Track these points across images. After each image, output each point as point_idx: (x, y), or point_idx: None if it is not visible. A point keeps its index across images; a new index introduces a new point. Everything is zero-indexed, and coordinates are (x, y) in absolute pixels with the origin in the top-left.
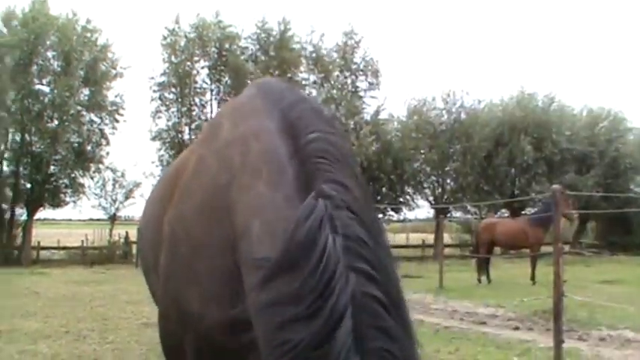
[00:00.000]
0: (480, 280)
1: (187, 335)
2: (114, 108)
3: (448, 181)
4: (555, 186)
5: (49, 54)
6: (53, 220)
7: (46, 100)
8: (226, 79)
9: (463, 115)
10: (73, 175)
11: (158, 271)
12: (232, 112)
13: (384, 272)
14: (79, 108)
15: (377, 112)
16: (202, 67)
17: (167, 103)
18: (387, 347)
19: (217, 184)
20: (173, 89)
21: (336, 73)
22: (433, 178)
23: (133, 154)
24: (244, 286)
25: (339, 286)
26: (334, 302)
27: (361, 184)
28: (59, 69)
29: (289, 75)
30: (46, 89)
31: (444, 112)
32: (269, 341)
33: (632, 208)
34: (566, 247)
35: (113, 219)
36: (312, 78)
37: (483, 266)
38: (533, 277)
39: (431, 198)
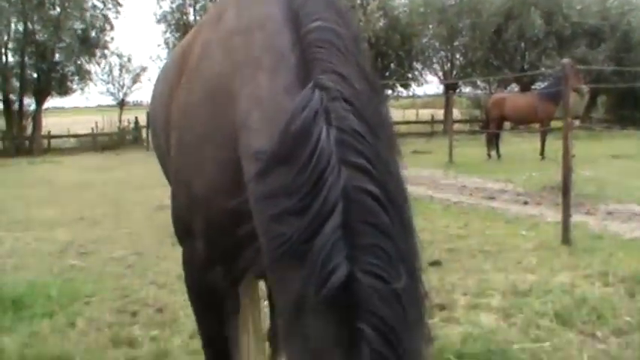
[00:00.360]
0: (489, 156)
1: (195, 218)
2: None
3: (457, 56)
4: (565, 60)
5: None
6: (62, 108)
7: None
8: None
9: None
10: (78, 62)
11: (170, 155)
12: None
13: (382, 166)
14: None
15: None
16: None
17: None
18: (379, 243)
19: (222, 74)
20: None
21: None
22: (442, 53)
23: (138, 38)
24: (244, 177)
25: (330, 181)
26: (324, 197)
27: (367, 76)
28: None
29: None
30: None
31: None
32: (265, 232)
33: None
34: (577, 122)
35: (122, 104)
36: None
37: (493, 141)
38: (542, 152)
39: (440, 73)
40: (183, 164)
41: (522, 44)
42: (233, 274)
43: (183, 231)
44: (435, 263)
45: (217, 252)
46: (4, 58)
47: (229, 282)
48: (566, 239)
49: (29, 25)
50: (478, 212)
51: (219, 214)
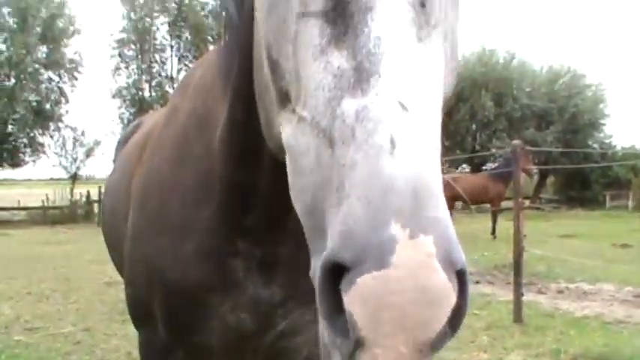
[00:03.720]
0: None
1: (156, 298)
2: (72, 65)
3: None
4: (515, 141)
5: (5, 10)
6: (13, 180)
7: (3, 58)
8: (186, 35)
9: None
10: (32, 135)
11: (125, 238)
12: (203, 60)
13: None
14: (37, 66)
15: None
16: (162, 24)
17: (127, 60)
18: None
19: (188, 130)
20: (133, 46)
21: None
22: None
23: (92, 113)
24: None
25: None
26: None
27: None
28: (15, 26)
29: None
30: (2, 47)
31: None
32: None
33: (590, 164)
34: (527, 202)
35: (74, 178)
36: None
37: None
38: (493, 232)
39: None
40: (145, 231)
41: (473, 125)
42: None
43: (142, 315)
44: None
45: (179, 333)
46: None
47: None
48: (518, 318)
49: None
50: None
51: (185, 291)
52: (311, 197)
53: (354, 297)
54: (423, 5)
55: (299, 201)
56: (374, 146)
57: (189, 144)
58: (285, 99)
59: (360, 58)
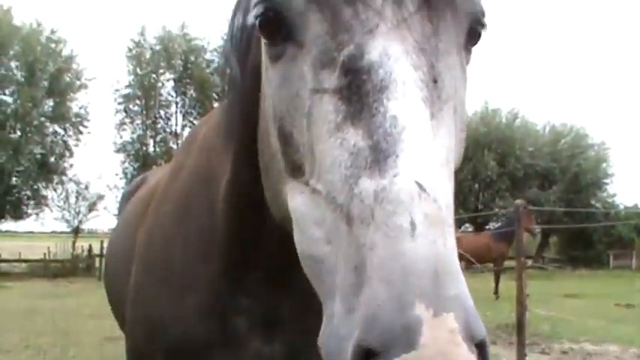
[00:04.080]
0: None
1: (158, 353)
2: (78, 120)
3: None
4: (518, 201)
5: (13, 64)
6: (15, 232)
7: (9, 110)
8: (191, 91)
9: None
10: (35, 187)
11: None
12: (207, 118)
13: None
14: (43, 119)
15: None
16: (168, 80)
17: (132, 115)
18: None
19: (192, 187)
20: (138, 101)
21: None
22: None
23: (96, 166)
24: None
25: None
26: None
27: None
28: (23, 79)
29: None
30: (9, 100)
31: None
32: None
33: (593, 223)
34: (529, 262)
35: (76, 232)
36: None
37: None
38: (496, 291)
39: None
40: (148, 284)
41: (476, 185)
42: None
43: None
44: None
45: None
46: None
47: None
48: None
49: None
50: None
51: (187, 347)
52: (324, 265)
53: None
54: (435, 81)
55: (309, 266)
56: (394, 229)
57: (193, 200)
58: (297, 171)
59: (377, 138)
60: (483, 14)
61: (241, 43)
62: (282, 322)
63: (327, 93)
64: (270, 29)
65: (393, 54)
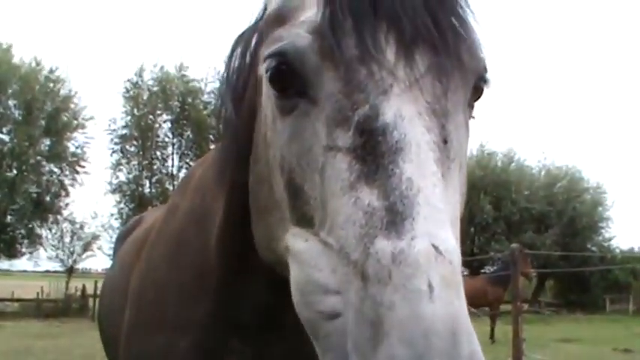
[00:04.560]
0: None
1: None
2: (74, 159)
3: None
4: (514, 245)
5: (10, 102)
6: (8, 271)
7: (5, 148)
8: (188, 133)
9: None
10: (30, 226)
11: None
12: (204, 159)
13: None
14: (39, 158)
15: None
16: (165, 121)
17: (128, 155)
18: None
19: (186, 228)
20: (134, 142)
21: None
22: None
23: (92, 206)
24: None
25: None
26: None
27: None
28: (20, 118)
29: None
30: (6, 138)
31: None
32: None
33: (590, 267)
34: (526, 306)
35: (70, 271)
36: None
37: None
38: (492, 336)
39: None
40: (140, 327)
41: (472, 228)
42: None
43: None
44: None
45: None
46: None
47: None
48: None
49: None
50: None
51: None
52: (329, 312)
53: None
54: (445, 142)
55: (310, 310)
56: (413, 291)
57: (187, 241)
58: (306, 221)
59: (393, 200)
60: (486, 70)
61: (237, 84)
62: (276, 359)
63: (341, 152)
64: (282, 83)
65: (407, 115)
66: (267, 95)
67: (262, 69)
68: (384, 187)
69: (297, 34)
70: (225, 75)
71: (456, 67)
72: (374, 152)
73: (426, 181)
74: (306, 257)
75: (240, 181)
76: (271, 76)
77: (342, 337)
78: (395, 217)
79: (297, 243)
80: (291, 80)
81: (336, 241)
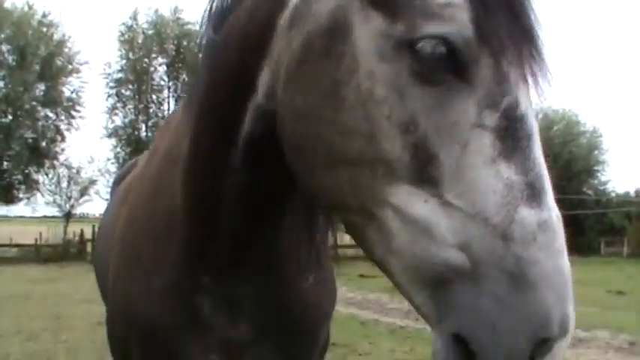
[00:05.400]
0: None
1: (132, 337)
2: (70, 104)
3: None
4: None
5: (4, 48)
6: (6, 217)
7: (0, 94)
8: (184, 76)
9: None
10: (27, 172)
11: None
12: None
13: None
14: (34, 103)
15: None
16: (160, 64)
17: (124, 99)
18: None
19: (163, 167)
20: (130, 86)
21: None
22: None
23: (88, 151)
24: None
25: None
26: None
27: None
28: (14, 63)
29: None
30: (0, 84)
31: None
32: None
33: (585, 210)
34: None
35: (68, 216)
36: None
37: None
38: None
39: None
40: (124, 269)
41: None
42: None
43: (121, 356)
44: None
45: None
46: None
47: None
48: None
49: None
50: (423, 337)
51: (156, 330)
52: (452, 267)
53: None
54: None
55: (415, 272)
56: (556, 250)
57: (162, 180)
58: (428, 183)
59: (531, 177)
60: None
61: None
62: (246, 304)
63: (487, 130)
64: (437, 63)
65: (529, 109)
66: (391, 58)
67: (420, 47)
68: (522, 166)
69: (462, 22)
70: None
71: (542, 73)
72: (513, 135)
73: (543, 161)
74: (427, 215)
75: (214, 111)
76: (429, 55)
77: (467, 287)
78: (534, 191)
79: (416, 202)
80: (447, 61)
81: (471, 206)
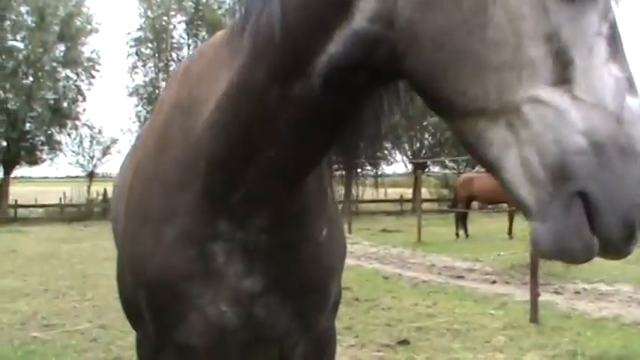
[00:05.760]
0: (457, 235)
1: (141, 293)
2: (90, 64)
3: (426, 135)
4: None
5: (23, 9)
6: (30, 178)
7: (21, 56)
8: (203, 33)
9: None
10: (49, 132)
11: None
12: (192, 55)
13: None
14: (54, 64)
15: None
16: (179, 22)
17: (144, 58)
18: None
19: (171, 118)
20: (150, 44)
21: None
22: (411, 132)
23: (109, 111)
24: None
25: None
26: None
27: None
28: (33, 25)
29: None
30: (21, 45)
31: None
32: None
33: None
34: None
35: (91, 176)
36: None
37: (461, 221)
38: (510, 232)
39: (409, 153)
40: (131, 222)
41: None
42: None
43: (134, 314)
44: (404, 342)
45: (164, 332)
46: None
47: None
48: (534, 318)
49: (1, 93)
50: (446, 291)
51: (166, 281)
52: (569, 151)
53: None
54: None
55: (536, 162)
56: None
57: (171, 133)
58: (563, 82)
59: (629, 74)
60: None
61: None
62: (263, 252)
63: (603, 36)
64: None
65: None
66: None
67: None
68: (622, 65)
69: None
70: None
71: None
72: (616, 41)
73: None
74: (563, 107)
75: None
76: None
77: (588, 162)
78: (632, 84)
79: (554, 97)
80: None
81: (594, 98)
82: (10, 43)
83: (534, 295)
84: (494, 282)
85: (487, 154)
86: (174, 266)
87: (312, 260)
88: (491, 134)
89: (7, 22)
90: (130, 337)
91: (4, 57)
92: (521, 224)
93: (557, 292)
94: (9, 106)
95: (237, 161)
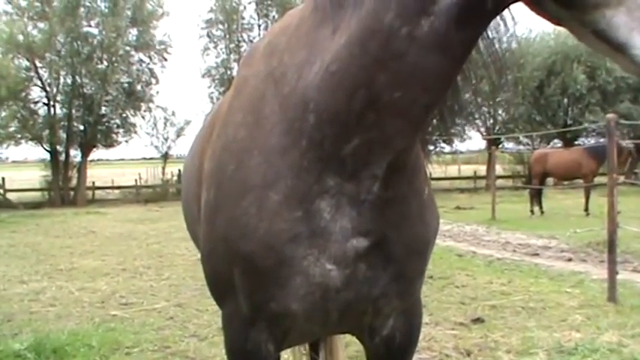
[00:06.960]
0: (532, 212)
1: (237, 268)
2: (162, 47)
3: (500, 111)
4: (610, 115)
5: None
6: (107, 160)
7: (95, 41)
8: (274, 13)
9: (514, 45)
10: (124, 115)
11: (202, 209)
12: (266, 34)
13: None
14: (128, 48)
15: None
16: (249, 3)
17: (215, 40)
18: None
19: (264, 89)
20: (220, 26)
21: None
22: (484, 109)
23: (183, 93)
24: None
25: None
26: None
27: None
28: (106, 10)
29: None
30: (95, 31)
31: (494, 41)
32: None
33: None
34: (621, 178)
35: (165, 157)
36: None
37: (536, 197)
38: (586, 208)
39: (482, 129)
40: (225, 202)
41: (565, 99)
42: (277, 333)
43: (223, 290)
44: (478, 320)
45: (261, 303)
46: (52, 110)
47: (273, 345)
48: (612, 297)
49: (77, 78)
50: (521, 269)
51: (269, 249)
52: None
53: None
54: None
55: None
56: None
57: (265, 101)
58: None
59: None
60: None
61: None
62: (370, 207)
63: None
64: None
65: None
66: None
67: None
68: None
69: None
70: None
71: None
72: None
73: None
74: None
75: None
76: None
77: None
78: None
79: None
80: None
81: None
82: (85, 29)
83: (612, 274)
84: (570, 260)
85: (618, 37)
86: (281, 229)
87: (419, 218)
88: (617, 20)
89: (82, 9)
90: (207, 315)
91: (79, 43)
92: (597, 200)
93: (636, 271)
94: (85, 90)
95: (354, 110)
